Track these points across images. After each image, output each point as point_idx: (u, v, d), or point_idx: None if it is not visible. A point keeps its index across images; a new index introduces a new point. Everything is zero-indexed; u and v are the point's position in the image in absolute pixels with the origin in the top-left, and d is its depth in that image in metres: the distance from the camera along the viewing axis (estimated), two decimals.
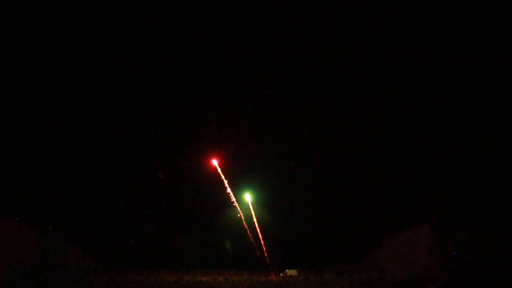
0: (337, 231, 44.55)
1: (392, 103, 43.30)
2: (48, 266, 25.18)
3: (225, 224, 45.97)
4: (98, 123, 42.84)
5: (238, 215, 45.84)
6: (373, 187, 43.61)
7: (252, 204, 46.25)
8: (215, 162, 44.45)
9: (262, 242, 46.07)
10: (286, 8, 42.51)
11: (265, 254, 46.26)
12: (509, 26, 37.66)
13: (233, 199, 45.26)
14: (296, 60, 45.31)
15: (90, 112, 42.39)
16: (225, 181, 44.77)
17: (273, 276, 42.91)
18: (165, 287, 35.35)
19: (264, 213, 46.41)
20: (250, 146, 46.44)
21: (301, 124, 45.84)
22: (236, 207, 45.71)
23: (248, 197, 46.24)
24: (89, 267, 27.00)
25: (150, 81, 44.10)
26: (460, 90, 41.31)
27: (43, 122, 41.25)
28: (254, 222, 46.07)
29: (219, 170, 44.19)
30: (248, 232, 45.79)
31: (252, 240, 45.90)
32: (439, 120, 42.68)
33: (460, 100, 41.26)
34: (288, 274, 42.95)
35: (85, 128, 42.58)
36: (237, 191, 45.60)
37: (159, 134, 45.33)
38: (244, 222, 45.74)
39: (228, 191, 45.23)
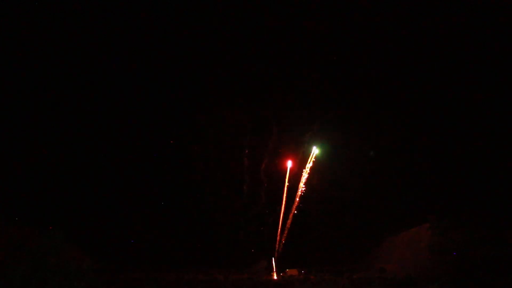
0: (337, 231, 44.58)
1: (390, 103, 43.27)
2: (48, 266, 25.14)
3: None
4: (97, 122, 42.77)
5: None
6: (373, 186, 43.64)
7: None
8: None
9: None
10: None
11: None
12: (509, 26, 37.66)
13: None
14: None
15: (89, 111, 42.31)
16: None
17: (274, 276, 42.96)
18: (165, 286, 35.40)
19: None
20: None
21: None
22: None
23: None
24: (89, 267, 26.90)
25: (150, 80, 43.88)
26: (459, 89, 41.32)
27: (43, 121, 41.19)
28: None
29: None
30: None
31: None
32: (438, 119, 42.70)
33: (460, 99, 41.27)
34: (288, 274, 42.95)
35: (84, 127, 42.51)
36: None
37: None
38: None
39: None
